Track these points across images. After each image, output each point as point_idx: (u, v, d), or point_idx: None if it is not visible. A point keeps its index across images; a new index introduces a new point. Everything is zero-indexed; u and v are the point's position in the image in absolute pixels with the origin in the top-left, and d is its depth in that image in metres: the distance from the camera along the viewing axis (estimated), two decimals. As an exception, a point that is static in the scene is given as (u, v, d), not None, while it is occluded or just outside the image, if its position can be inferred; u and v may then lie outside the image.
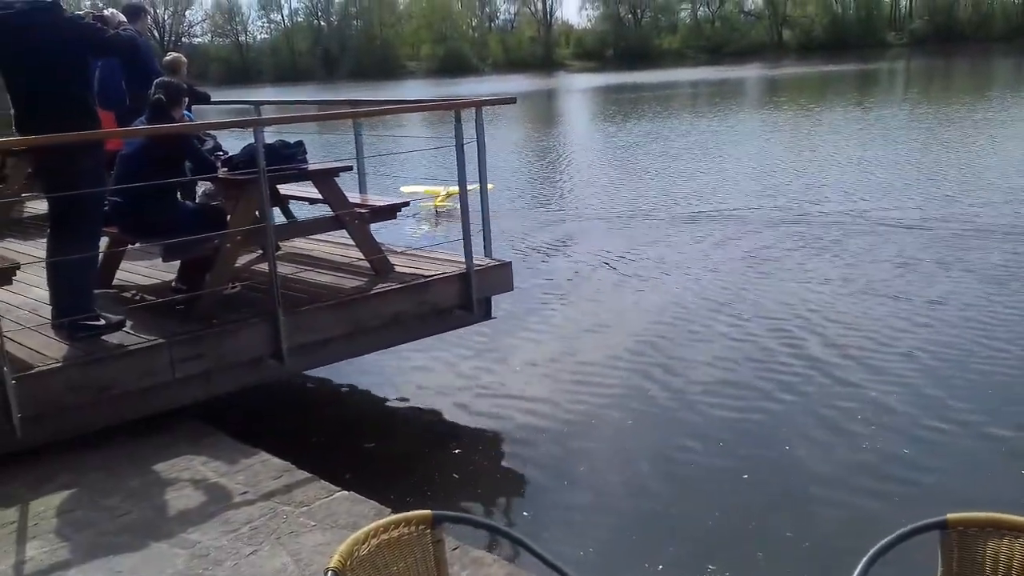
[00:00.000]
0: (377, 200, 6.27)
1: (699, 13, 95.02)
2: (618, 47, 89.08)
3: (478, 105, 5.88)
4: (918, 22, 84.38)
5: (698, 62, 78.24)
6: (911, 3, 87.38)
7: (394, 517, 2.25)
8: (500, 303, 6.29)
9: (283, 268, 5.58)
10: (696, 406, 5.94)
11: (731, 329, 7.48)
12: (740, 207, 12.90)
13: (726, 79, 51.83)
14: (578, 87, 55.18)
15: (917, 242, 10.17)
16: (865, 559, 2.18)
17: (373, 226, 6.19)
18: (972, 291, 8.20)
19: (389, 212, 6.01)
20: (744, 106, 33.33)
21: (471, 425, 5.86)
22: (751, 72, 57.08)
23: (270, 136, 6.03)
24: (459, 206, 5.90)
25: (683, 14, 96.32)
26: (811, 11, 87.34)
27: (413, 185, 13.59)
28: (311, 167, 5.70)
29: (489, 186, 5.98)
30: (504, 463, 5.36)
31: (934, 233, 10.55)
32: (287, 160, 5.44)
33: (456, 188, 5.58)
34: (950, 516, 2.26)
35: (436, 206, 14.02)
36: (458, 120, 5.66)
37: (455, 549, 3.47)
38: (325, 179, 5.67)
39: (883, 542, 2.20)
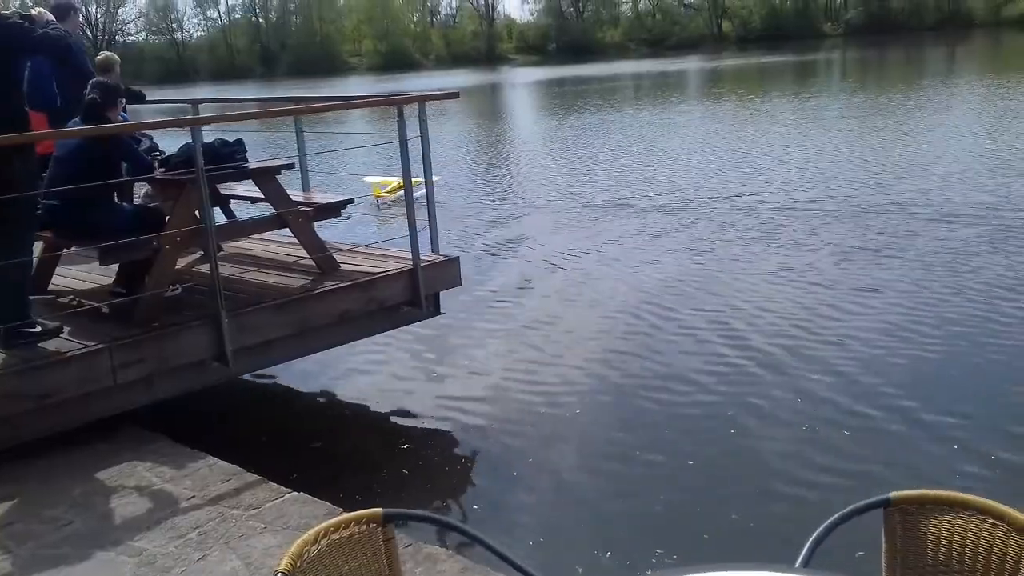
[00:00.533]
0: (320, 197, 6.20)
1: (640, 6, 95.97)
2: (560, 41, 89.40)
3: (421, 100, 5.84)
4: (853, 12, 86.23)
5: (640, 55, 78.90)
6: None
7: (344, 516, 2.22)
8: (449, 298, 6.26)
9: (225, 269, 5.49)
10: (641, 397, 6.00)
11: (673, 321, 7.56)
12: (681, 197, 13.08)
13: (667, 71, 52.36)
14: (521, 81, 55.27)
15: (850, 229, 10.42)
16: (811, 539, 2.22)
17: (318, 224, 6.12)
18: (902, 276, 8.41)
19: (333, 210, 5.94)
20: (685, 98, 33.69)
21: (422, 422, 5.84)
22: (692, 64, 57.76)
23: (209, 135, 5.93)
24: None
25: (624, 7, 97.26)
26: (749, 2, 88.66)
27: (378, 177, 13.78)
28: (251, 166, 5.61)
29: (435, 178, 5.95)
30: (455, 459, 5.34)
31: (866, 219, 10.83)
32: (226, 159, 5.34)
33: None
34: (893, 494, 2.31)
35: (377, 195, 14.04)
36: (401, 116, 5.62)
37: (408, 547, 3.45)
38: (266, 177, 5.58)
39: (828, 522, 2.25)
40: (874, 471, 4.79)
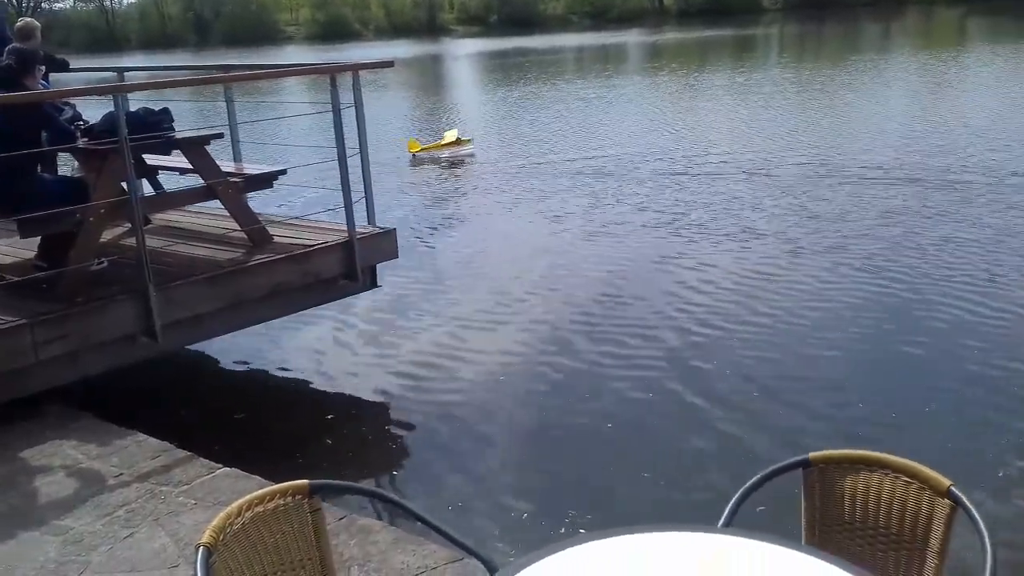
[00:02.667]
0: (252, 168, 6.07)
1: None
2: (502, 12, 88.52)
3: (355, 69, 5.74)
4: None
5: (582, 27, 78.74)
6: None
7: (269, 489, 2.20)
8: (386, 271, 6.21)
9: (153, 242, 5.36)
10: (571, 367, 6.04)
11: (606, 291, 7.63)
12: (616, 166, 13.24)
13: (608, 44, 52.36)
14: (463, 52, 54.73)
15: (780, 191, 10.83)
16: (733, 500, 2.27)
17: (251, 196, 6.00)
18: (822, 239, 8.70)
19: (265, 181, 5.82)
20: (623, 72, 33.75)
21: (357, 395, 5.81)
22: (632, 38, 57.84)
23: (135, 104, 5.74)
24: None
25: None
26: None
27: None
28: (179, 135, 5.46)
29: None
30: (390, 431, 5.34)
31: (796, 182, 11.28)
32: (152, 128, 5.19)
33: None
34: (811, 455, 2.38)
35: (413, 151, 14.57)
36: (334, 85, 5.52)
37: (342, 519, 3.44)
38: (194, 147, 5.44)
39: (749, 483, 2.30)
40: (794, 434, 4.91)
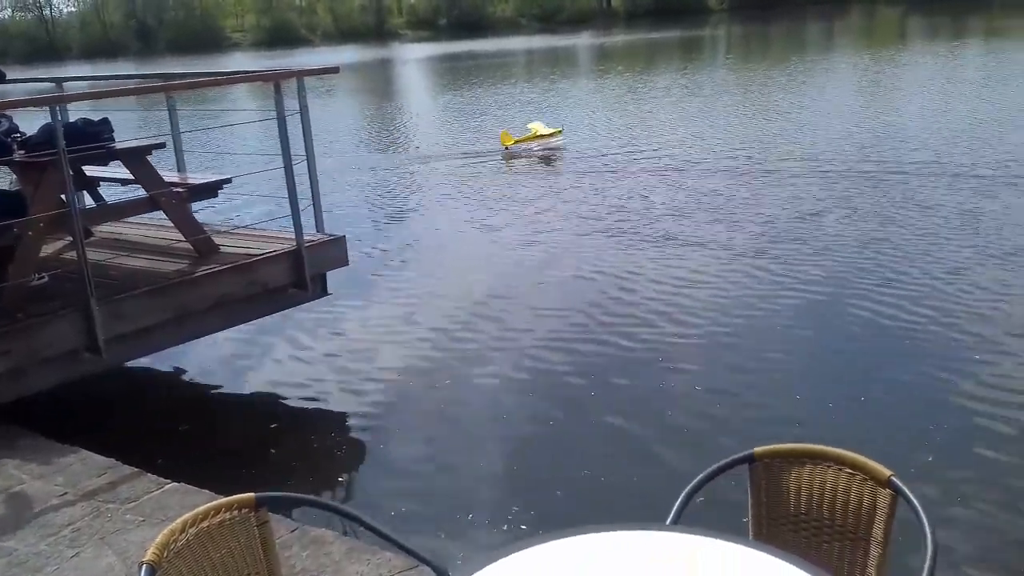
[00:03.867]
0: (196, 178, 5.98)
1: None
2: (451, 15, 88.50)
3: (299, 75, 5.68)
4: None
5: (531, 30, 79.03)
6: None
7: (214, 503, 2.17)
8: (336, 278, 6.15)
9: (95, 255, 5.25)
10: (521, 369, 6.05)
11: (556, 290, 7.70)
12: (569, 165, 13.41)
13: (557, 47, 52.61)
14: (412, 57, 54.56)
15: (721, 185, 11.15)
16: (681, 497, 2.29)
17: (196, 206, 5.90)
18: (765, 233, 8.87)
19: (209, 190, 5.73)
20: (573, 74, 33.94)
21: (308, 405, 5.75)
22: (583, 40, 58.17)
23: (74, 115, 5.62)
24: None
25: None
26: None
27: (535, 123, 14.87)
28: (119, 146, 5.35)
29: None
30: (342, 441, 5.28)
31: (739, 176, 11.62)
32: (91, 139, 5.08)
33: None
34: (757, 450, 2.41)
35: (505, 144, 14.67)
36: (278, 92, 5.45)
37: (294, 531, 3.41)
38: (135, 158, 5.33)
39: (697, 479, 2.33)
40: (739, 427, 5.00)
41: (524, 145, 14.89)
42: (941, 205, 9.58)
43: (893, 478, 2.20)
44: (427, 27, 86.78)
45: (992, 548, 3.84)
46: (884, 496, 2.22)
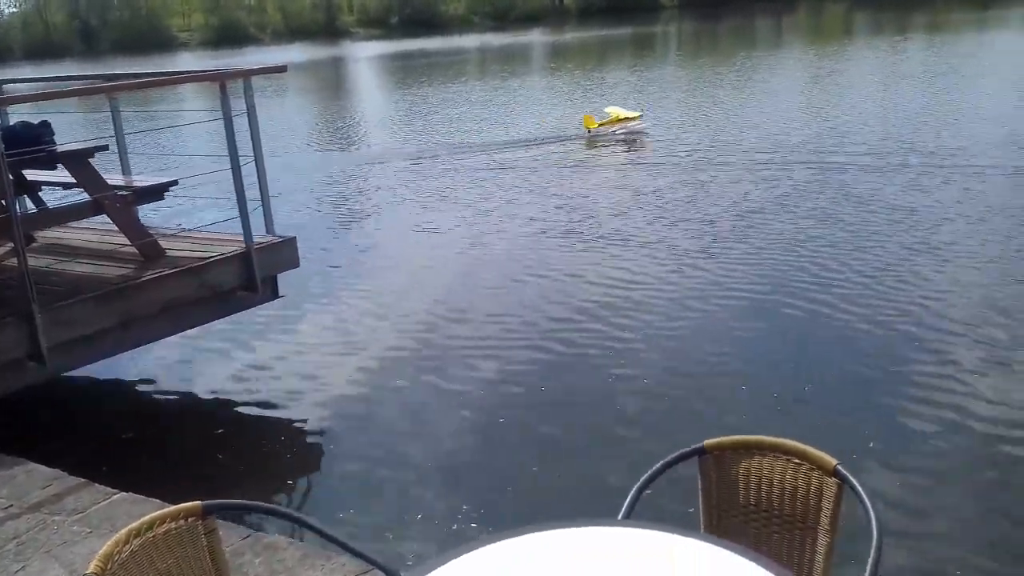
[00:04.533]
0: (141, 180, 5.85)
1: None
2: (403, 13, 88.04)
3: (246, 75, 5.59)
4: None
5: (484, 28, 78.98)
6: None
7: (160, 512, 2.13)
8: (287, 280, 6.08)
9: (37, 261, 5.12)
10: (480, 367, 6.05)
11: (507, 289, 7.70)
12: (518, 165, 13.39)
13: (510, 45, 52.65)
14: (363, 55, 54.18)
15: (665, 184, 11.21)
16: (632, 491, 2.30)
17: (142, 209, 5.79)
18: (707, 232, 8.96)
19: (155, 193, 5.62)
20: (524, 72, 33.98)
21: (261, 410, 5.68)
22: (535, 38, 58.31)
23: (15, 118, 5.48)
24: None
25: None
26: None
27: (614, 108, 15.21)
28: (61, 149, 5.22)
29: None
30: (295, 445, 5.23)
31: (683, 173, 11.71)
32: (31, 143, 4.96)
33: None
34: (707, 442, 2.43)
35: (588, 127, 14.94)
36: (224, 92, 5.37)
37: (247, 538, 3.36)
38: (77, 161, 5.21)
39: (648, 473, 2.34)
40: (690, 420, 5.07)
41: (607, 128, 15.16)
42: (879, 200, 9.77)
43: (838, 467, 2.24)
44: (378, 25, 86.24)
45: (937, 531, 3.93)
46: (830, 485, 2.26)
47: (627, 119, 15.39)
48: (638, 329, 6.55)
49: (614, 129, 15.26)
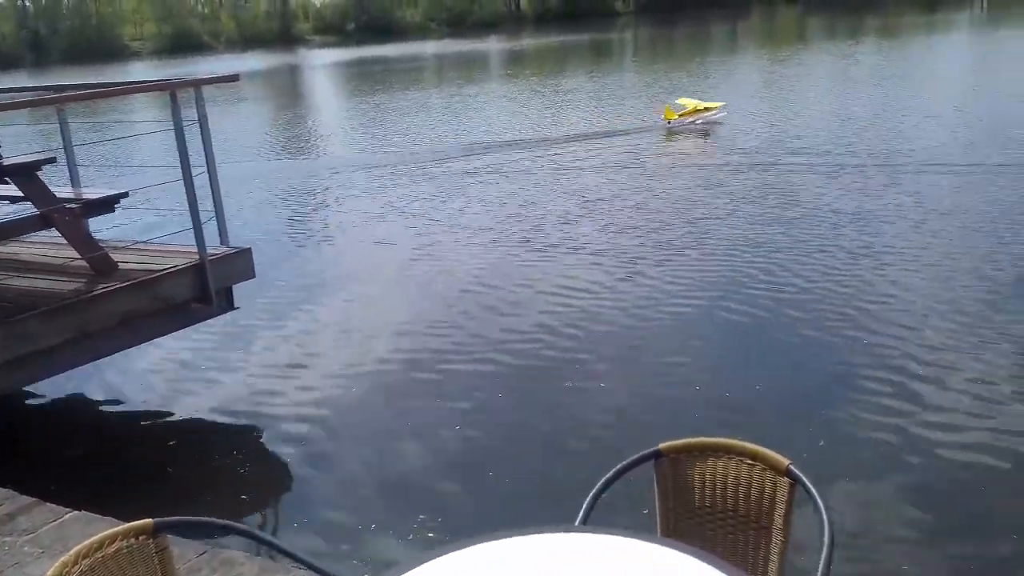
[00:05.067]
0: (91, 193, 5.75)
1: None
2: (359, 20, 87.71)
3: (197, 84, 5.54)
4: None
5: (441, 34, 78.96)
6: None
7: (109, 531, 2.09)
8: (243, 291, 6.01)
9: (-16, 276, 5.00)
10: (437, 377, 6.03)
11: (465, 296, 7.69)
12: (482, 170, 13.44)
13: (467, 51, 52.69)
14: (320, 63, 53.85)
15: (610, 190, 11.39)
16: (589, 496, 2.31)
17: (93, 222, 5.69)
18: (649, 241, 9.01)
19: (105, 205, 5.52)
20: (480, 79, 34.03)
21: (220, 424, 5.60)
22: (492, 44, 58.41)
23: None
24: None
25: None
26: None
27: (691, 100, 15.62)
28: (7, 162, 5.12)
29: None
30: (251, 458, 5.16)
31: (633, 179, 11.87)
32: (-25, 156, 4.84)
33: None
34: (662, 445, 2.45)
35: (668, 118, 15.26)
36: (175, 101, 5.31)
37: (203, 554, 3.31)
38: (23, 175, 5.11)
39: (605, 477, 2.35)
40: (648, 426, 5.09)
41: (687, 119, 15.47)
42: (826, 203, 9.92)
43: (791, 466, 2.27)
44: (335, 32, 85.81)
45: (888, 529, 4.00)
46: (783, 485, 2.29)
47: (706, 109, 15.72)
48: (589, 339, 6.56)
49: (692, 119, 15.63)
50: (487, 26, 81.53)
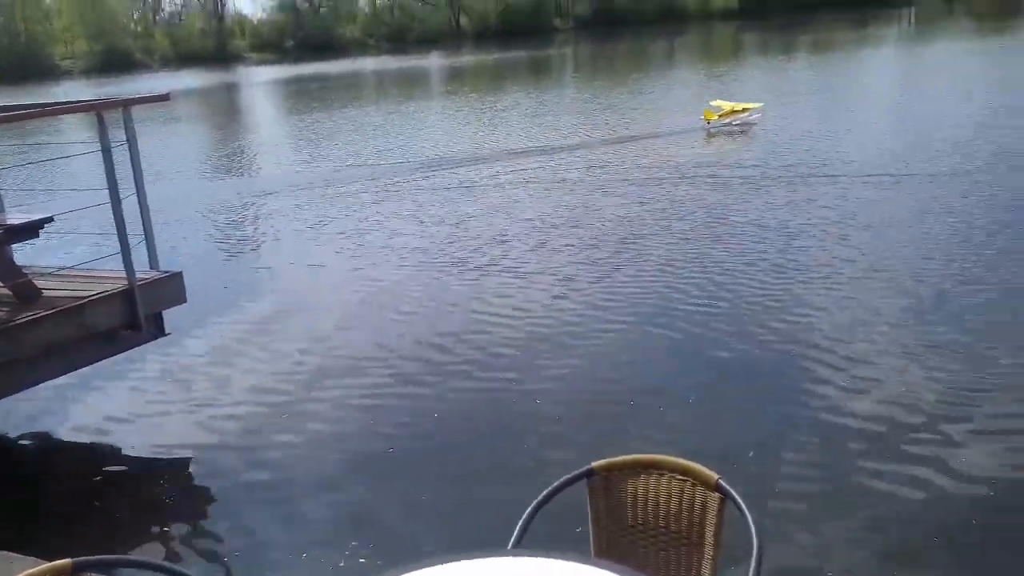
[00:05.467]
0: (13, 218, 5.57)
1: (378, 2, 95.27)
2: (297, 37, 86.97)
3: (125, 105, 5.41)
4: (581, 8, 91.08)
5: (381, 51, 78.73)
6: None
7: (25, 574, 2.01)
8: (174, 317, 5.86)
9: (-101, 307, 4.79)
10: (370, 402, 5.95)
11: (402, 318, 7.65)
12: (410, 188, 13.48)
13: (407, 68, 52.62)
14: (258, 80, 53.26)
15: (548, 209, 11.39)
16: (522, 519, 2.30)
17: (16, 247, 5.50)
18: (581, 259, 9.07)
19: (28, 230, 5.34)
20: (419, 96, 34.00)
21: (147, 457, 5.42)
22: (433, 61, 58.43)
23: None
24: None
25: (362, 2, 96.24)
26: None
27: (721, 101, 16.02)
28: (-79, 187, 4.92)
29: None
30: (180, 492, 5.00)
31: (570, 192, 12.02)
32: None
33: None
34: (595, 464, 2.46)
35: (708, 119, 15.69)
36: (102, 122, 5.20)
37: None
38: (-61, 200, 4.92)
39: (536, 501, 2.35)
40: (582, 445, 5.08)
41: (725, 120, 16.03)
42: (753, 218, 10.10)
43: (720, 481, 2.30)
44: (272, 49, 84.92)
45: (817, 543, 4.06)
46: (713, 499, 2.31)
47: (744, 110, 16.25)
48: (524, 358, 6.54)
49: (730, 120, 16.17)
50: (427, 42, 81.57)
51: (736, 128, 16.13)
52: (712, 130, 16.13)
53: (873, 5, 66.05)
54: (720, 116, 16.25)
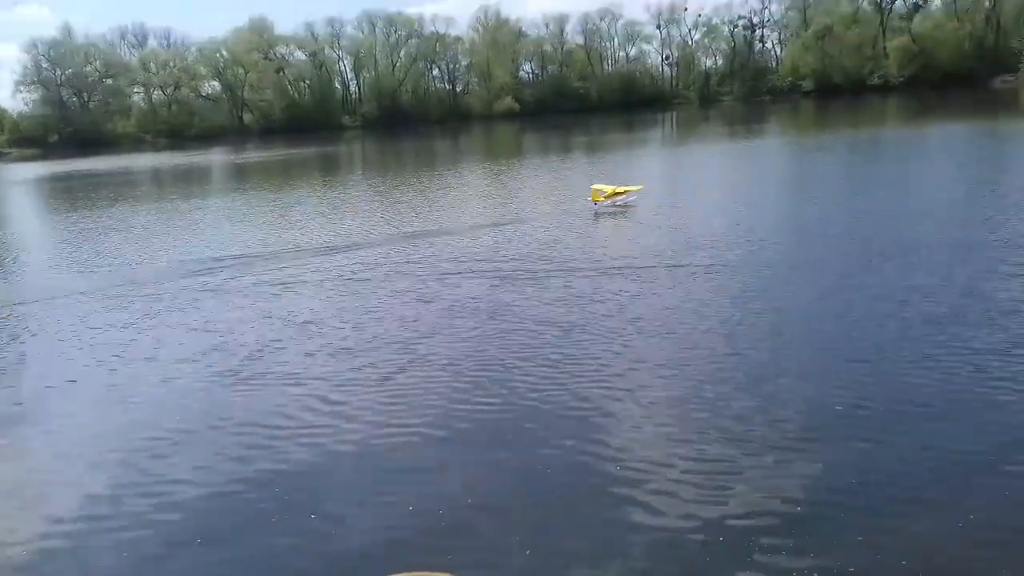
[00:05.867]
0: None
1: (154, 97, 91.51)
2: (64, 132, 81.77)
3: None
4: (368, 106, 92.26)
5: (158, 147, 75.63)
6: (360, 89, 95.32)
7: None
8: None
9: None
10: (128, 522, 5.60)
11: (162, 438, 7.15)
12: (189, 293, 12.77)
13: (189, 164, 50.72)
14: (17, 178, 49.31)
15: (346, 304, 11.10)
16: None
17: None
18: (442, 330, 9.07)
19: None
20: (201, 193, 32.78)
21: None
22: (216, 157, 56.77)
23: None
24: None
25: (136, 98, 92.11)
26: (269, 96, 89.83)
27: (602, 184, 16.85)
28: None
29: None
30: None
31: (347, 291, 11.73)
32: None
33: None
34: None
35: (596, 200, 16.69)
36: None
37: None
38: None
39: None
40: (366, 558, 4.83)
41: (608, 201, 17.05)
42: (534, 313, 10.47)
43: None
44: (35, 145, 79.33)
45: None
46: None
47: (625, 192, 17.40)
48: (299, 472, 6.32)
49: (613, 200, 17.25)
50: (209, 138, 79.28)
51: (619, 208, 17.31)
52: (599, 210, 17.20)
53: (639, 110, 71.81)
54: (606, 197, 17.41)
